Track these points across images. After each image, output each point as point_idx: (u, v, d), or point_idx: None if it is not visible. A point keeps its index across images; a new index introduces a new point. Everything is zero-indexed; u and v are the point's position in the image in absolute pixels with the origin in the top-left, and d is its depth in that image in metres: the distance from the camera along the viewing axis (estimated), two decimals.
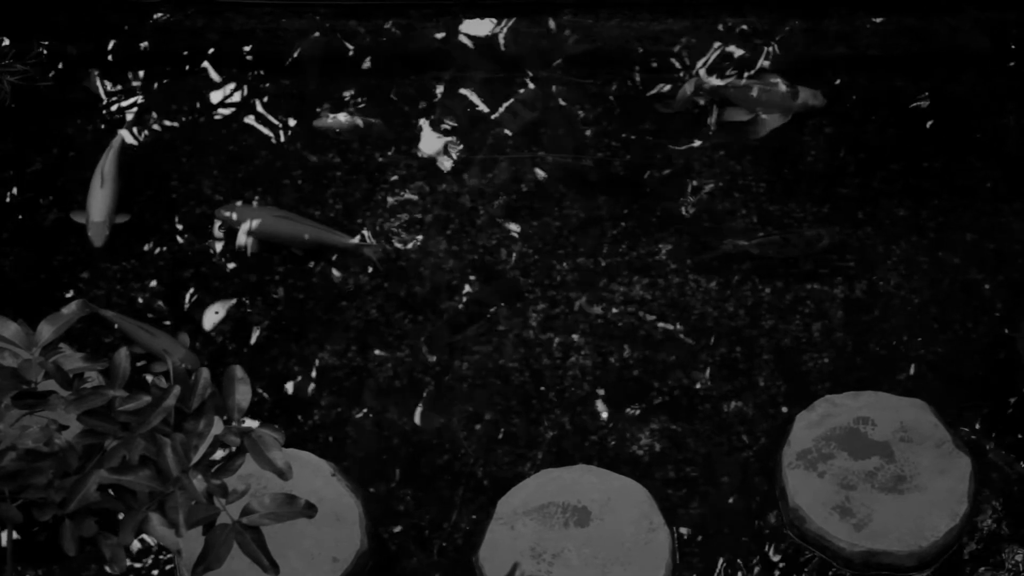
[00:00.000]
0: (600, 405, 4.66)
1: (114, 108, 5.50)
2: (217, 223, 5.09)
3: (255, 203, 5.18)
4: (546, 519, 4.25)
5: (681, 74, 5.55)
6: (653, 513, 4.26)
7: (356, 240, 5.06)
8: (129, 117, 5.46)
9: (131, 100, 5.54)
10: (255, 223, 5.07)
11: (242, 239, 5.06)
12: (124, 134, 5.32)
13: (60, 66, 5.59)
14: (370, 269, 4.99)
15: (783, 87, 5.42)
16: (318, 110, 5.44)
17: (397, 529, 4.41)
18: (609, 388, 4.69)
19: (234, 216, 5.08)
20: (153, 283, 4.98)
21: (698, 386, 4.69)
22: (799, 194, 5.19)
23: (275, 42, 5.73)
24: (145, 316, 4.86)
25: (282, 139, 5.40)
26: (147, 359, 4.69)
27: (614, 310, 4.87)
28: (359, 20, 5.78)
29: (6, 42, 5.61)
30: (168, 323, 4.84)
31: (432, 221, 5.13)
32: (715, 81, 5.49)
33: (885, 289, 4.93)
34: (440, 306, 4.90)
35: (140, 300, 4.92)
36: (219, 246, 5.07)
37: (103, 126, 5.42)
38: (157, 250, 5.07)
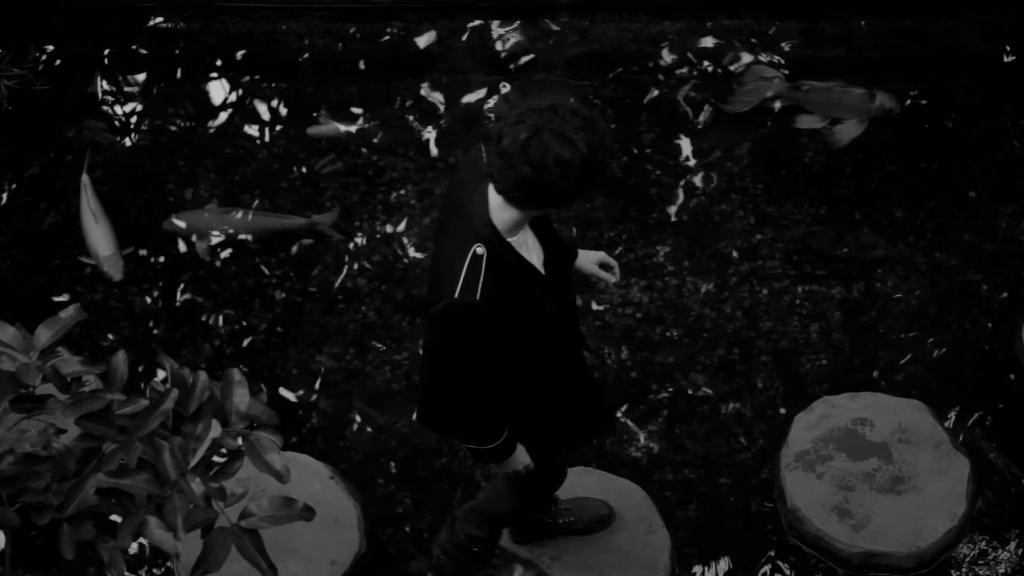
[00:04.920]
0: None
1: (111, 112, 5.49)
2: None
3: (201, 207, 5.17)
4: None
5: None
6: (652, 515, 4.25)
7: (307, 218, 5.07)
8: (126, 121, 5.46)
9: (128, 104, 5.53)
10: (204, 226, 5.07)
11: (196, 243, 5.06)
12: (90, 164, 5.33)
13: (57, 70, 5.58)
14: (333, 239, 5.01)
15: (860, 90, 5.36)
16: (315, 115, 5.43)
17: (395, 532, 4.41)
18: (607, 390, 4.69)
19: (182, 224, 5.08)
20: (150, 287, 4.98)
21: (696, 388, 4.69)
22: (796, 195, 5.19)
23: (272, 46, 5.73)
24: (144, 320, 4.86)
25: (279, 142, 5.40)
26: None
27: (612, 312, 4.87)
28: (355, 23, 5.78)
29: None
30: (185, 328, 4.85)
31: (429, 224, 5.12)
32: (794, 83, 5.42)
33: (883, 290, 4.93)
34: None
35: (136, 303, 4.92)
36: (216, 249, 5.08)
37: (100, 129, 5.41)
38: (154, 254, 5.07)
